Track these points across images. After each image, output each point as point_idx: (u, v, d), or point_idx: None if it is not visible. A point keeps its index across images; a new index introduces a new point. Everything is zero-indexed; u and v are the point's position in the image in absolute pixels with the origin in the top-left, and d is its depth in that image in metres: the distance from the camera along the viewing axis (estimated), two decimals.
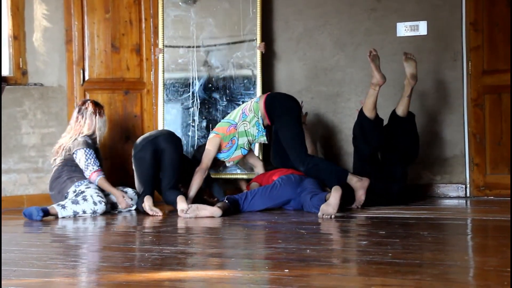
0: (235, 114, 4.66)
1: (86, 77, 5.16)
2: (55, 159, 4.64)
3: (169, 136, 4.59)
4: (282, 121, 4.51)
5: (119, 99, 5.24)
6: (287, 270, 2.39)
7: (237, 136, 4.60)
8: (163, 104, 5.13)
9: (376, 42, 5.20)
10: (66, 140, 4.58)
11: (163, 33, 5.13)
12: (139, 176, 4.52)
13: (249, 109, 4.58)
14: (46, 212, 4.24)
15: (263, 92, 5.04)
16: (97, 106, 4.68)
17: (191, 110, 5.17)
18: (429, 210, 4.30)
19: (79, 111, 4.63)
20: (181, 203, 4.21)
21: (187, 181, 4.54)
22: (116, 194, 4.55)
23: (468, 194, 5.05)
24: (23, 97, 5.01)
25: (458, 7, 5.07)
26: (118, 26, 5.18)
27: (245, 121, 4.58)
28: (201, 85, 5.17)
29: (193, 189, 4.49)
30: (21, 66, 5.03)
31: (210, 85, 5.19)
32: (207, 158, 4.55)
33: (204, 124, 5.16)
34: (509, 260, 2.42)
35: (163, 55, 5.12)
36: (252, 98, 4.79)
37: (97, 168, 4.51)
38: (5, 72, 4.99)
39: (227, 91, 5.18)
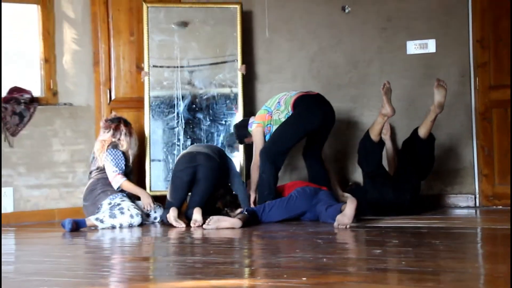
0: (272, 102, 4.83)
1: (113, 97, 5.34)
2: (90, 172, 4.79)
3: (210, 165, 4.59)
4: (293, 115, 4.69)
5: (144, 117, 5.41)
6: (304, 278, 2.45)
7: (271, 123, 4.79)
8: (149, 124, 5.24)
9: (387, 59, 5.34)
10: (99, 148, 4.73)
11: (148, 57, 5.25)
12: (172, 191, 4.64)
13: (284, 101, 4.75)
14: (83, 225, 4.40)
15: (244, 112, 5.25)
16: (127, 125, 4.83)
17: (176, 130, 5.30)
18: (441, 219, 4.37)
19: (113, 135, 4.73)
20: (196, 214, 4.37)
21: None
22: (142, 194, 4.66)
23: (477, 204, 5.12)
24: (54, 116, 5.19)
25: (465, 25, 5.18)
26: (142, 48, 5.35)
27: (278, 110, 4.77)
28: (185, 105, 5.32)
29: (253, 185, 4.73)
30: (51, 87, 5.24)
31: (194, 105, 5.34)
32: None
33: (188, 143, 5.28)
34: None
35: (149, 78, 5.25)
36: (290, 92, 4.88)
37: (122, 171, 4.64)
38: (37, 93, 5.21)
39: (210, 111, 5.33)
